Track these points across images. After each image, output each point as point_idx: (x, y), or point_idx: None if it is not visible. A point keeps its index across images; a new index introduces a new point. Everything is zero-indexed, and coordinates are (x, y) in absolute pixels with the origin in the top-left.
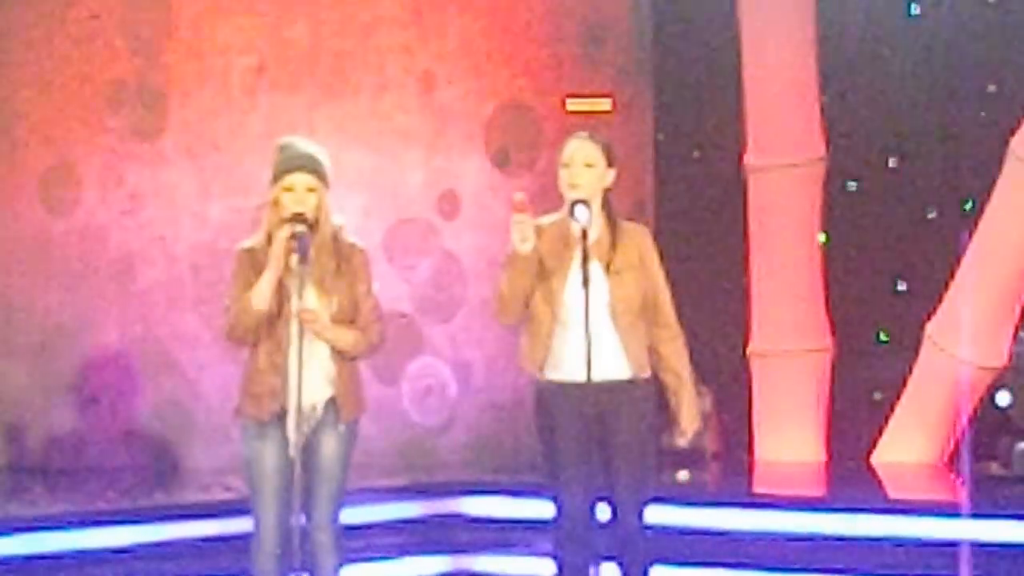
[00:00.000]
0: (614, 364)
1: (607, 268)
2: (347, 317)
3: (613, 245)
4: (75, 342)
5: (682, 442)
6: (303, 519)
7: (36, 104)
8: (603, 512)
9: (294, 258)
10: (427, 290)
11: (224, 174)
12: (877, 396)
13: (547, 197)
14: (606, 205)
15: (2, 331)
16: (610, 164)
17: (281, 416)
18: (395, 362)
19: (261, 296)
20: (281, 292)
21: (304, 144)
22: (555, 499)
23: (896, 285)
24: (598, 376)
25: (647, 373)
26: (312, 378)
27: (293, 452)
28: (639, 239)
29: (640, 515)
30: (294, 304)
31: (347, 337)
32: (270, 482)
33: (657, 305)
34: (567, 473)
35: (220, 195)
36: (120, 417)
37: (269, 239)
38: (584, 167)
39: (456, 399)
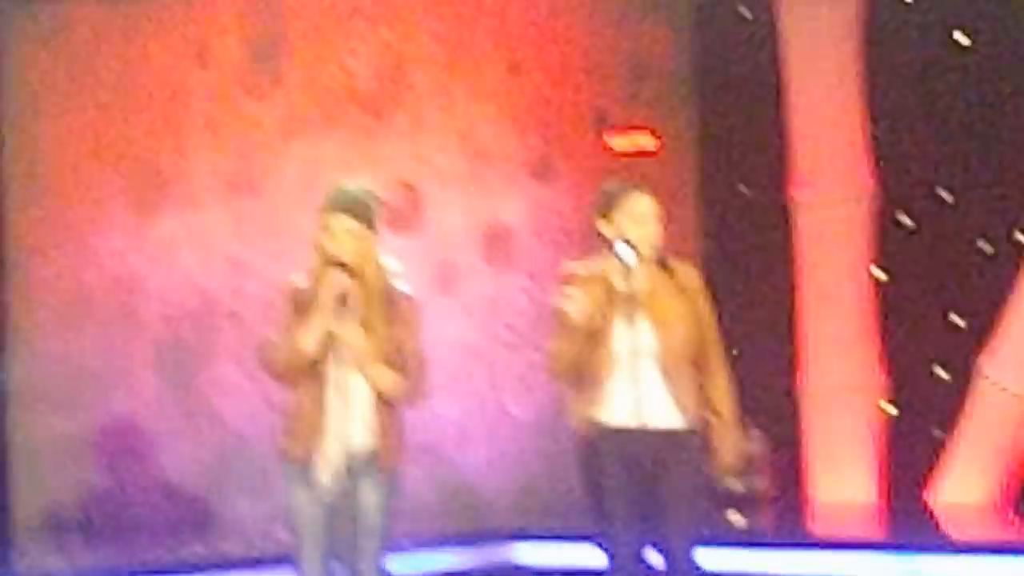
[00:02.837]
0: (664, 411)
1: (657, 319)
2: (389, 363)
3: (663, 293)
4: (112, 393)
5: (718, 475)
6: (345, 568)
7: (66, 151)
8: (655, 558)
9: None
10: (471, 333)
11: (260, 218)
12: (937, 433)
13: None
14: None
15: (37, 383)
16: None
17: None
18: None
19: (309, 338)
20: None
21: (353, 186)
22: (605, 548)
23: (950, 320)
24: (648, 423)
25: (698, 419)
26: (352, 423)
27: (328, 498)
28: (687, 280)
29: (693, 559)
30: (337, 336)
31: (387, 377)
32: (312, 529)
33: (706, 347)
34: (617, 521)
35: (255, 239)
36: (160, 469)
37: (312, 280)
38: (657, 223)
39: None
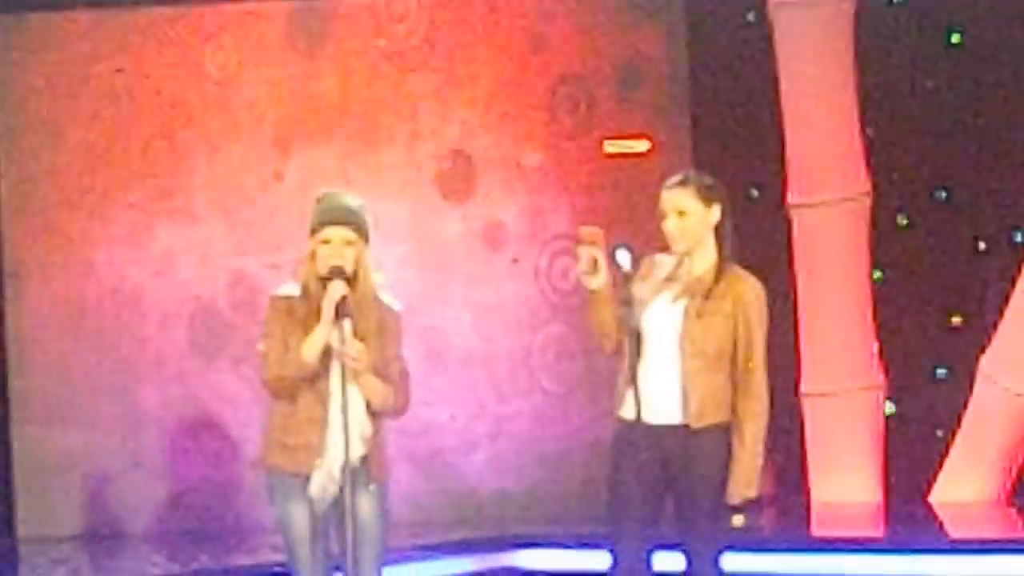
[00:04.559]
0: (671, 407)
1: (693, 309)
2: (378, 375)
3: (710, 288)
4: (113, 406)
5: (731, 501)
6: None
7: (62, 163)
8: (675, 562)
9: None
10: (471, 339)
11: (258, 229)
12: (939, 433)
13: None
14: (719, 245)
15: (39, 397)
16: (710, 203)
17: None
18: None
19: (312, 350)
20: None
21: (344, 196)
22: (611, 547)
23: (951, 319)
24: (654, 419)
25: (711, 421)
26: (350, 434)
27: (320, 508)
28: (741, 290)
29: (714, 564)
30: (336, 350)
31: (380, 388)
32: (309, 542)
33: (747, 363)
34: (624, 519)
35: (254, 251)
36: (161, 480)
37: (306, 291)
38: (677, 215)
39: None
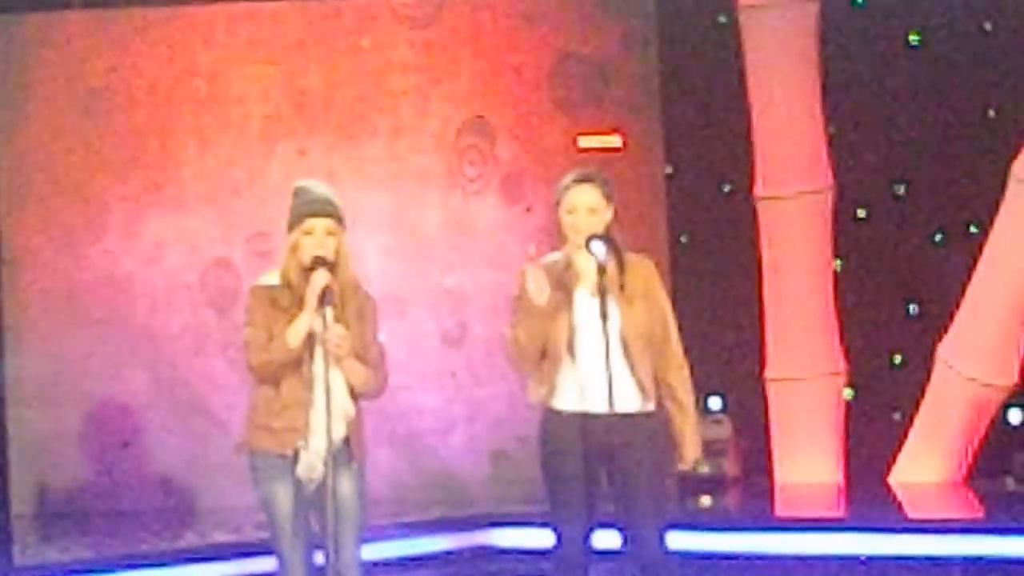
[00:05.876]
0: (626, 393)
1: (619, 297)
2: (359, 358)
3: (621, 275)
4: (105, 388)
5: (684, 468)
6: (323, 558)
7: (58, 156)
8: (614, 540)
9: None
10: (449, 325)
11: (245, 219)
12: (897, 417)
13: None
14: (609, 239)
15: (33, 380)
16: (610, 201)
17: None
18: None
19: (296, 336)
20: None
21: (321, 188)
22: (554, 528)
23: (908, 309)
24: (609, 406)
25: (654, 401)
26: (333, 416)
27: (313, 487)
28: (644, 271)
29: (662, 540)
30: (319, 336)
31: (361, 371)
32: (293, 521)
33: (665, 336)
34: (568, 502)
35: (242, 240)
36: (151, 460)
37: (288, 281)
38: (588, 214)
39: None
